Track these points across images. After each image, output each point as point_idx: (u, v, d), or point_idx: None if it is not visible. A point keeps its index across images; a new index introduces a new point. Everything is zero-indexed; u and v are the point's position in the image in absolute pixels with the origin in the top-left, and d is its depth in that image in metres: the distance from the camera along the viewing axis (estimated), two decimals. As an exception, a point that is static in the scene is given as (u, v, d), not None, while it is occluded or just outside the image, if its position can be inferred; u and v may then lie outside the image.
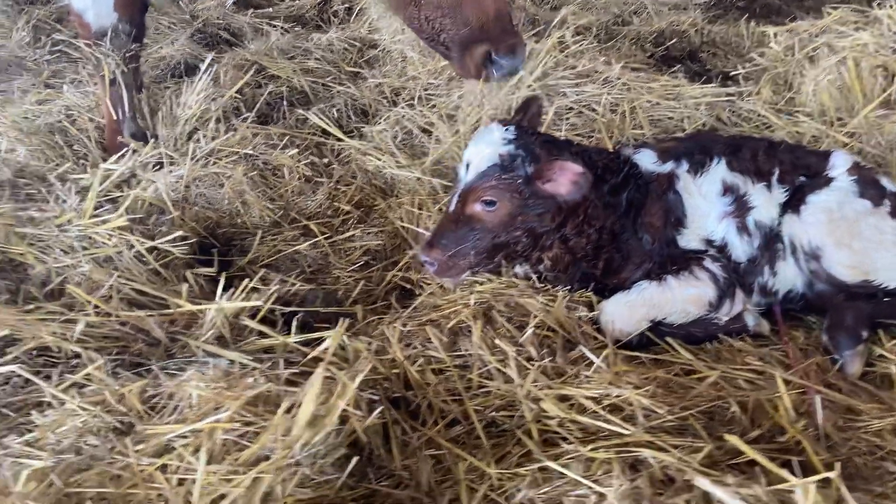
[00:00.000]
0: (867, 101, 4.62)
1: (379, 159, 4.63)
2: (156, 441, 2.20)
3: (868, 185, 3.28)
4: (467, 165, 3.07)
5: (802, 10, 7.56)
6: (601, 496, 2.08)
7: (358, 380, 2.31)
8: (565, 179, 2.96)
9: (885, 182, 3.37)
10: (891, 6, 5.01)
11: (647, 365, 2.88)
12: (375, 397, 2.52)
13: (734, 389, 2.69)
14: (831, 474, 1.91)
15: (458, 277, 3.13)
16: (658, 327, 3.09)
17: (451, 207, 3.09)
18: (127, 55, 4.22)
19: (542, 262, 3.18)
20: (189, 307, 3.04)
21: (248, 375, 2.40)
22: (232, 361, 2.61)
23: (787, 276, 3.25)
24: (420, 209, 4.11)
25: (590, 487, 2.14)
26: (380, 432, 2.51)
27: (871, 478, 2.37)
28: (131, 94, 4.38)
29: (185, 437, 2.20)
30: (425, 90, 5.53)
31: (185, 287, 3.15)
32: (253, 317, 3.10)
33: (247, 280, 3.09)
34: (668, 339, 3.05)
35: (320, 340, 2.83)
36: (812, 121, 4.59)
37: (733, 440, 2.17)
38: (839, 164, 3.33)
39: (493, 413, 2.67)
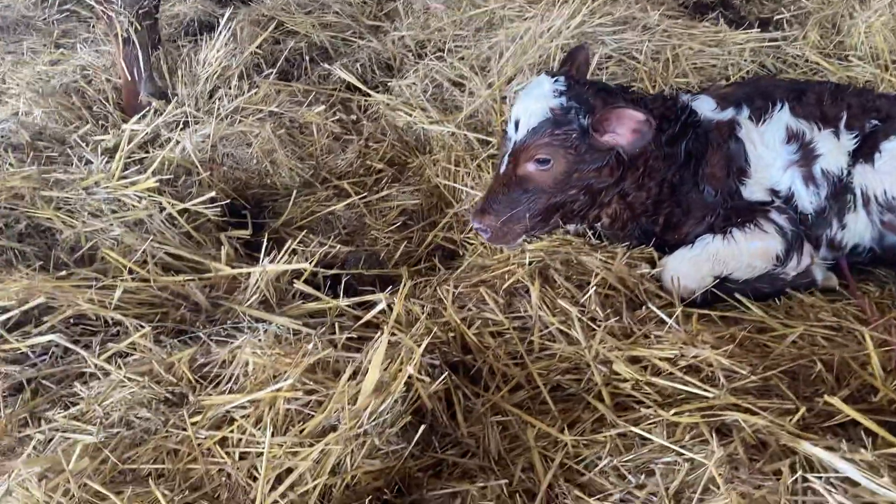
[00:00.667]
0: (923, 42, 4.41)
1: (409, 115, 4.44)
2: (213, 412, 2.06)
3: (944, 128, 3.09)
4: (516, 123, 2.88)
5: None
6: (694, 463, 1.94)
7: (425, 343, 2.16)
8: (626, 129, 2.79)
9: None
10: (944, -59, 4.75)
11: (718, 323, 2.72)
12: (436, 362, 2.37)
13: (815, 347, 2.53)
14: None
15: (515, 242, 2.98)
16: (723, 283, 2.93)
17: (502, 169, 2.92)
18: (140, 12, 3.99)
19: (601, 220, 3.02)
20: (229, 271, 2.88)
21: (306, 341, 2.24)
22: (281, 326, 2.46)
23: (857, 230, 3.07)
24: (457, 165, 3.94)
25: (679, 453, 1.99)
26: (442, 399, 2.36)
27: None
28: (147, 52, 4.17)
29: (244, 407, 2.06)
30: (452, 41, 5.31)
31: (224, 250, 2.99)
32: (293, 281, 2.96)
33: (290, 241, 2.92)
34: (737, 296, 2.89)
35: (371, 304, 2.68)
36: (865, 64, 4.37)
37: (834, 402, 2.02)
38: (914, 108, 3.13)
39: (559, 377, 2.52)
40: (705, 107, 3.12)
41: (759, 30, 5.05)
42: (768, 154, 3.06)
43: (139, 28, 4.08)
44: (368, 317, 2.52)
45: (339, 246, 3.34)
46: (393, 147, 4.33)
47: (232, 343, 2.33)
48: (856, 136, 3.09)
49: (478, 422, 2.36)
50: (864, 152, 3.06)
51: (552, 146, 2.81)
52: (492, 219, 2.89)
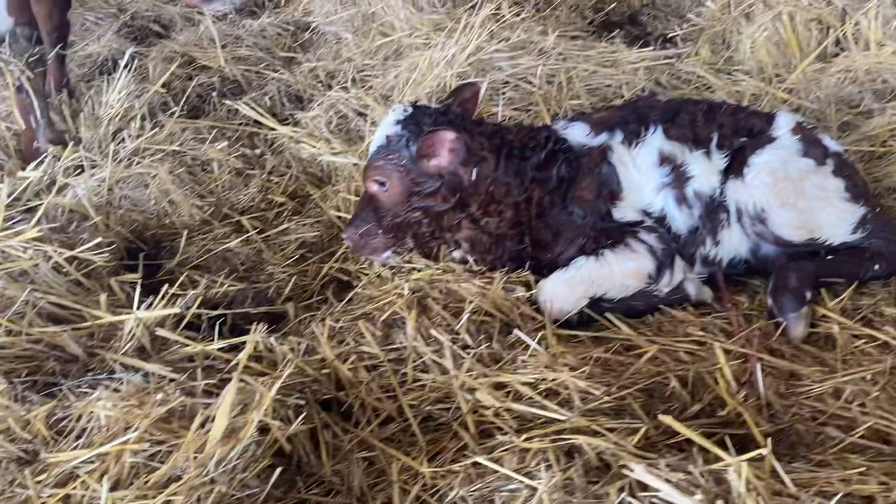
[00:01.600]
0: (804, 55, 4.57)
1: (313, 146, 4.48)
2: (59, 469, 2.06)
3: (811, 144, 3.20)
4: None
5: (742, -34, 7.48)
6: (533, 490, 1.99)
7: (275, 388, 2.19)
8: (444, 150, 2.97)
9: (827, 141, 3.29)
10: (822, -42, 4.94)
11: (587, 343, 2.79)
12: (302, 401, 2.40)
13: (675, 363, 2.61)
14: (763, 451, 1.84)
15: (379, 256, 3.19)
16: (598, 303, 3.01)
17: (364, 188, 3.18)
18: (31, 60, 4.00)
19: (460, 245, 3.13)
20: (107, 318, 2.89)
21: (160, 390, 2.26)
22: (147, 375, 2.47)
23: (731, 245, 3.17)
24: (357, 196, 3.97)
25: (521, 482, 2.04)
26: (309, 437, 2.39)
27: (812, 444, 2.31)
28: (42, 99, 4.16)
29: (91, 462, 2.07)
30: (360, 72, 5.37)
31: (103, 297, 2.99)
32: (179, 324, 2.98)
33: (166, 286, 2.93)
34: (608, 315, 2.96)
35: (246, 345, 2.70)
36: (751, 79, 4.52)
37: (666, 420, 2.09)
38: (782, 125, 3.24)
39: (430, 407, 2.57)
40: (578, 133, 3.20)
41: (657, 47, 5.20)
42: (640, 177, 3.14)
43: (31, 76, 4.07)
44: (236, 360, 2.54)
45: (227, 284, 3.36)
46: (296, 180, 4.36)
47: (91, 395, 2.33)
48: (726, 155, 3.18)
49: (344, 458, 2.39)
50: (735, 168, 3.16)
51: (385, 169, 3.05)
52: (352, 230, 3.16)
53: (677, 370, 2.55)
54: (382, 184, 3.06)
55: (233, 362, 2.58)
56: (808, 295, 2.98)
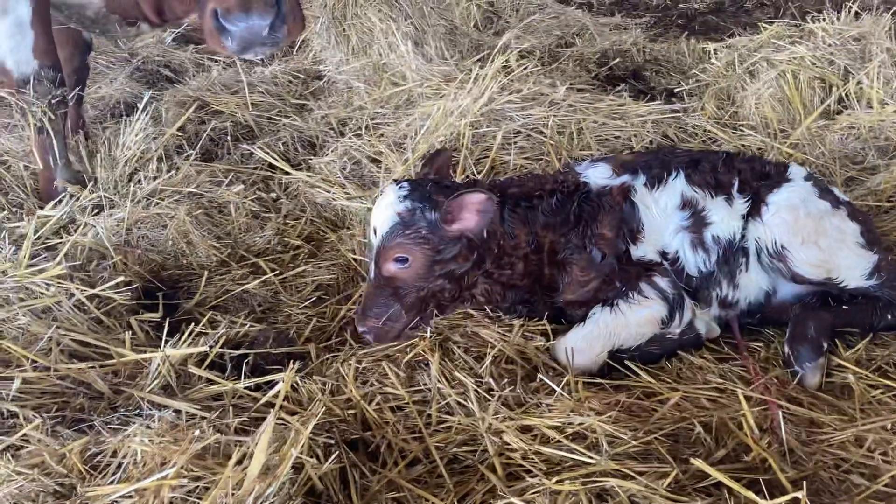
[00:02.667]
0: (807, 112, 4.71)
1: (328, 191, 4.56)
2: (99, 503, 2.07)
3: (825, 190, 3.34)
4: (374, 230, 3.08)
5: (739, 26, 7.70)
6: (568, 532, 2.01)
7: (311, 425, 2.21)
8: (470, 212, 2.98)
9: (836, 191, 3.41)
10: (823, 19, 5.13)
11: (609, 390, 2.83)
12: (331, 441, 2.42)
13: (697, 409, 2.65)
14: (798, 494, 1.87)
15: (400, 339, 3.08)
16: (616, 352, 3.05)
17: (371, 273, 3.11)
18: (53, 101, 4.07)
19: (475, 299, 3.16)
20: (133, 356, 2.91)
21: (196, 427, 2.28)
22: (178, 412, 2.49)
23: (751, 285, 3.24)
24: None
25: (557, 523, 2.07)
26: (338, 477, 2.40)
27: (837, 492, 2.34)
28: (62, 140, 4.23)
29: (130, 496, 2.08)
30: (372, 119, 5.48)
31: (127, 335, 3.02)
32: (201, 362, 3.00)
33: (192, 325, 2.96)
34: (628, 363, 3.01)
35: (272, 384, 2.73)
36: (756, 133, 4.65)
37: (698, 463, 2.12)
38: (797, 173, 3.37)
39: (455, 449, 2.59)
40: (600, 174, 3.28)
41: (662, 101, 5.34)
42: (662, 218, 3.22)
43: (53, 117, 4.14)
44: (265, 399, 2.56)
45: (248, 324, 3.39)
46: (311, 223, 4.42)
47: (125, 431, 2.35)
48: (747, 200, 3.27)
49: (373, 499, 2.40)
50: (754, 210, 3.25)
51: (405, 245, 3.00)
52: (373, 321, 3.04)
53: (701, 416, 2.58)
54: (404, 261, 3.01)
55: (262, 400, 2.60)
56: (826, 345, 3.04)
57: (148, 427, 2.35)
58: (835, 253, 3.17)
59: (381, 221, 3.05)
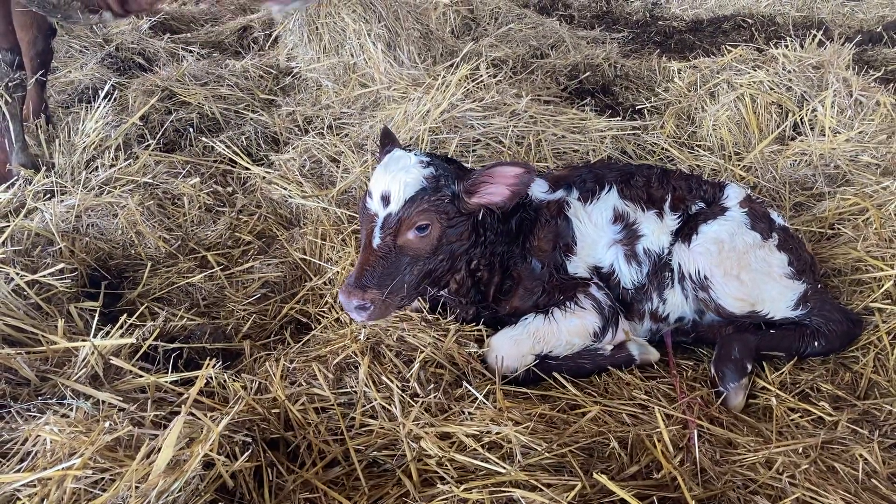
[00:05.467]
0: (762, 136, 4.77)
1: (284, 188, 4.56)
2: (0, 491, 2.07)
3: (758, 218, 3.37)
4: (384, 197, 2.93)
5: (714, 46, 7.81)
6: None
7: (223, 424, 2.22)
8: (501, 186, 2.93)
9: (774, 215, 3.46)
10: (786, 46, 5.20)
11: (534, 401, 2.86)
12: (249, 439, 2.44)
13: (617, 424, 2.69)
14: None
15: (388, 316, 3.01)
16: (546, 361, 3.09)
17: (376, 242, 2.92)
18: (10, 85, 4.06)
19: (448, 286, 3.13)
20: (63, 344, 2.90)
21: (109, 418, 2.28)
22: (98, 403, 2.49)
23: (676, 303, 3.30)
24: (323, 239, 4.06)
25: (458, 531, 2.09)
26: (253, 476, 2.41)
27: (743, 512, 2.38)
28: (18, 124, 4.21)
29: (32, 486, 2.08)
30: (337, 119, 5.51)
31: (60, 322, 3.01)
32: (136, 353, 3.00)
33: (125, 316, 2.96)
34: (555, 374, 3.04)
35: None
36: (711, 154, 4.70)
37: (602, 479, 2.16)
38: (732, 196, 3.41)
39: (375, 453, 2.60)
40: (537, 189, 3.33)
41: (626, 117, 5.40)
42: (594, 232, 3.27)
43: (9, 100, 4.12)
44: (189, 394, 2.57)
45: (186, 318, 3.39)
46: (265, 220, 4.43)
47: (39, 419, 2.35)
48: (679, 217, 3.34)
49: (286, 499, 2.42)
50: (685, 233, 3.30)
51: (430, 212, 2.90)
52: (375, 293, 2.85)
53: (618, 431, 2.62)
54: (424, 228, 2.90)
55: (184, 396, 2.61)
56: (749, 367, 3.10)
57: (64, 416, 2.35)
58: (758, 286, 3.21)
59: (402, 185, 2.89)
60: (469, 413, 2.66)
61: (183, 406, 2.25)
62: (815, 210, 4.22)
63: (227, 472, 2.26)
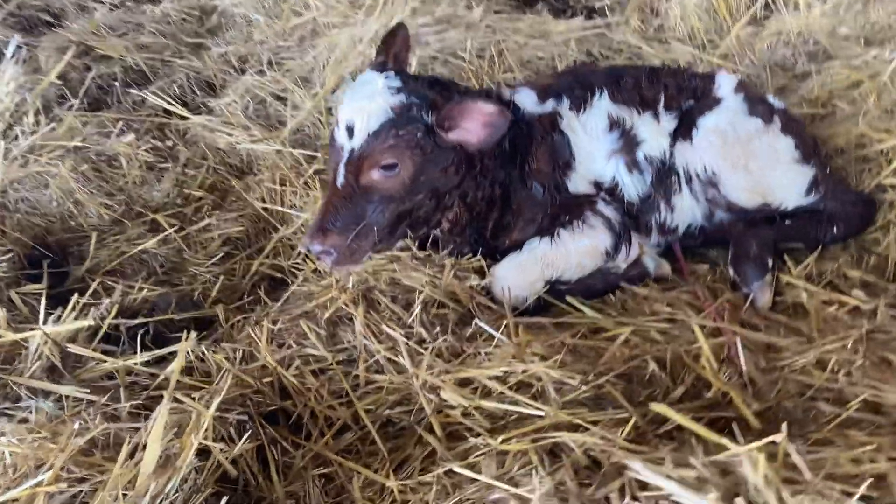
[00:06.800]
0: (734, 19, 4.49)
1: (230, 135, 4.15)
2: (-41, 522, 1.73)
3: (756, 102, 3.12)
4: (349, 128, 2.58)
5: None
6: (521, 499, 1.76)
7: (214, 405, 1.89)
8: (476, 123, 2.56)
9: (771, 99, 3.20)
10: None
11: (550, 330, 2.58)
12: (245, 417, 2.11)
13: (648, 344, 2.42)
14: (777, 437, 1.66)
15: (360, 262, 2.68)
16: (554, 286, 2.80)
17: (339, 181, 2.60)
18: None
19: (441, 225, 2.79)
20: (9, 336, 2.52)
21: (78, 416, 1.93)
22: (61, 399, 2.13)
23: (685, 210, 3.04)
24: (283, 185, 3.69)
25: (506, 490, 1.81)
26: (255, 457, 2.10)
27: (804, 421, 2.16)
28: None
29: (-1, 510, 1.74)
30: (275, 54, 5.04)
31: (2, 312, 2.61)
32: (94, 336, 2.63)
33: (76, 296, 2.58)
34: (569, 298, 2.76)
35: (174, 356, 2.39)
36: (684, 45, 4.41)
37: (658, 408, 1.90)
38: (725, 84, 3.14)
39: (388, 411, 2.31)
40: (527, 100, 2.99)
41: (583, 18, 5.04)
42: (591, 144, 2.97)
43: None
44: (166, 374, 2.23)
45: (147, 289, 3.01)
46: (214, 172, 4.02)
47: (-6, 429, 1.98)
48: (675, 116, 3.06)
49: (298, 476, 2.12)
50: (683, 131, 3.03)
51: (398, 149, 2.55)
52: (337, 238, 2.57)
53: (653, 351, 2.36)
54: (392, 167, 2.56)
55: (160, 377, 2.26)
56: (770, 262, 2.87)
57: (22, 422, 1.99)
58: (767, 174, 2.98)
59: (365, 116, 2.54)
60: (487, 354, 2.37)
61: (164, 392, 1.90)
62: (801, 91, 3.97)
63: (226, 458, 1.94)
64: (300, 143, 4.04)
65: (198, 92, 4.91)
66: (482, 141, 2.59)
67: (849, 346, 2.37)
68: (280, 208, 3.59)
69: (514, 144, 2.85)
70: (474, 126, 2.56)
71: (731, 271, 2.90)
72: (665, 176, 3.01)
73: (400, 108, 2.54)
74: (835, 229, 3.03)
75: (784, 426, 1.66)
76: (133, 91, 4.76)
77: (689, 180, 2.99)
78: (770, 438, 1.65)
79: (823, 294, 2.73)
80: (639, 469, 1.66)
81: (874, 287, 2.79)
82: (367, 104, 2.54)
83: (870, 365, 2.30)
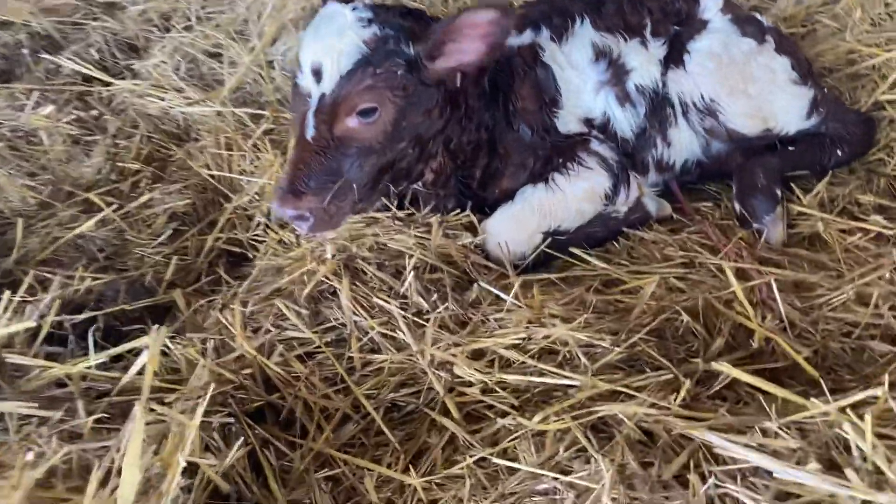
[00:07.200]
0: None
1: (161, 99, 3.73)
2: None
3: (745, 21, 2.90)
4: (316, 71, 2.24)
5: None
6: (583, 491, 1.50)
7: (199, 412, 1.56)
8: (474, 39, 2.22)
9: (759, 17, 2.97)
10: None
11: (560, 286, 2.31)
12: (230, 420, 1.79)
13: (674, 294, 2.18)
14: (878, 391, 1.43)
15: (340, 225, 2.36)
16: (552, 237, 2.53)
17: (309, 133, 2.26)
18: None
19: (424, 177, 2.48)
20: (-71, 349, 2.12)
21: (29, 442, 1.58)
22: (1, 419, 1.77)
23: (683, 144, 2.81)
24: (230, 150, 3.32)
25: (555, 478, 1.55)
26: (248, 465, 1.79)
27: (856, 363, 1.96)
28: None
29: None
30: (202, 8, 4.58)
31: (-83, 323, 2.21)
32: (34, 338, 2.25)
33: (7, 293, 2.19)
34: (572, 250, 2.50)
35: (135, 353, 2.04)
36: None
37: (723, 367, 1.65)
38: (711, 5, 2.90)
39: (392, 394, 2.02)
40: None
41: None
42: (577, 77, 2.69)
43: None
44: (126, 379, 1.88)
45: (89, 278, 2.63)
46: (149, 141, 3.60)
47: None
48: (664, 43, 2.81)
49: (300, 482, 1.82)
50: (674, 57, 2.80)
51: (377, 89, 2.22)
52: (312, 200, 2.25)
53: (682, 301, 2.12)
54: (371, 112, 2.23)
55: (123, 380, 1.91)
56: (779, 192, 2.67)
57: (-40, 455, 1.63)
58: (767, 97, 2.79)
59: (332, 55, 2.19)
60: (496, 320, 2.09)
61: (135, 401, 1.56)
62: (773, 10, 3.75)
63: (216, 473, 1.62)
64: (242, 102, 3.67)
65: (118, 55, 4.43)
66: (483, 56, 2.26)
67: (886, 277, 2.17)
68: (229, 174, 3.23)
69: (494, 82, 2.55)
70: (470, 43, 2.23)
71: (737, 206, 2.69)
72: (659, 107, 2.76)
73: (375, 41, 2.20)
74: (839, 152, 2.84)
75: (885, 378, 1.43)
76: (45, 58, 4.25)
77: (685, 111, 2.76)
78: (866, 394, 1.42)
79: (841, 222, 2.53)
80: (716, 441, 1.42)
81: (891, 211, 2.61)
82: (335, 41, 2.20)
83: (913, 295, 2.10)
